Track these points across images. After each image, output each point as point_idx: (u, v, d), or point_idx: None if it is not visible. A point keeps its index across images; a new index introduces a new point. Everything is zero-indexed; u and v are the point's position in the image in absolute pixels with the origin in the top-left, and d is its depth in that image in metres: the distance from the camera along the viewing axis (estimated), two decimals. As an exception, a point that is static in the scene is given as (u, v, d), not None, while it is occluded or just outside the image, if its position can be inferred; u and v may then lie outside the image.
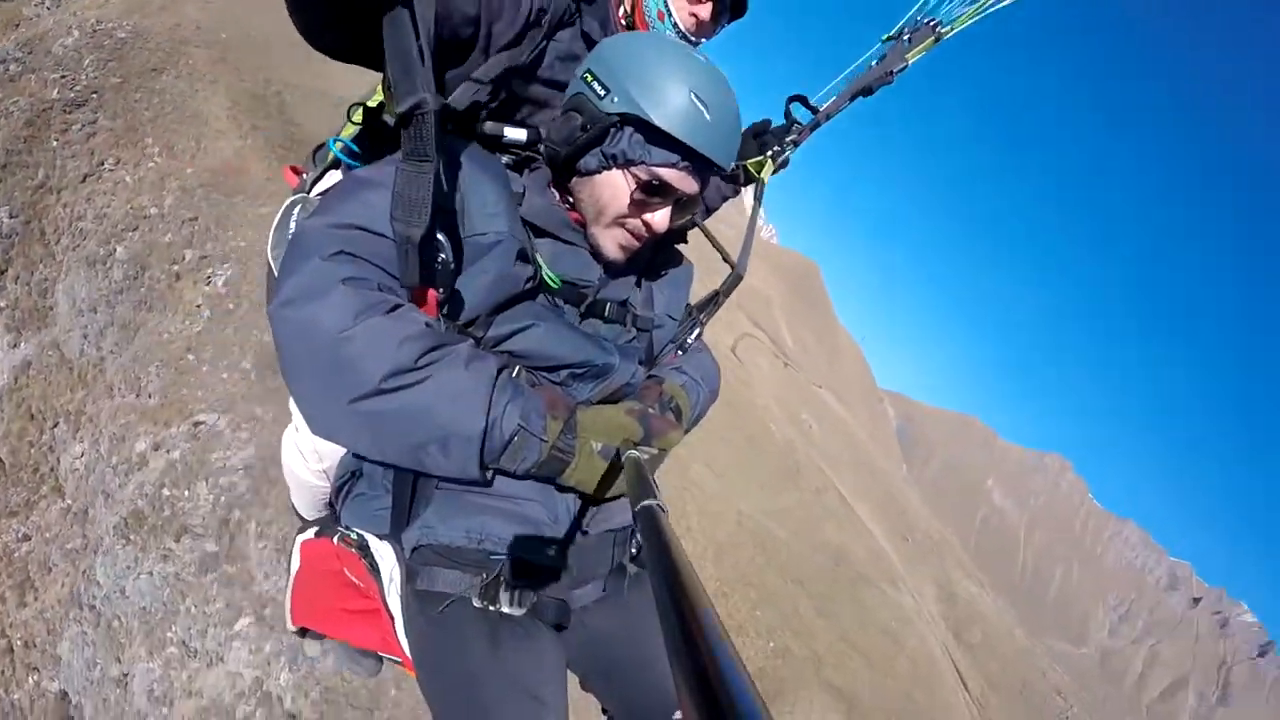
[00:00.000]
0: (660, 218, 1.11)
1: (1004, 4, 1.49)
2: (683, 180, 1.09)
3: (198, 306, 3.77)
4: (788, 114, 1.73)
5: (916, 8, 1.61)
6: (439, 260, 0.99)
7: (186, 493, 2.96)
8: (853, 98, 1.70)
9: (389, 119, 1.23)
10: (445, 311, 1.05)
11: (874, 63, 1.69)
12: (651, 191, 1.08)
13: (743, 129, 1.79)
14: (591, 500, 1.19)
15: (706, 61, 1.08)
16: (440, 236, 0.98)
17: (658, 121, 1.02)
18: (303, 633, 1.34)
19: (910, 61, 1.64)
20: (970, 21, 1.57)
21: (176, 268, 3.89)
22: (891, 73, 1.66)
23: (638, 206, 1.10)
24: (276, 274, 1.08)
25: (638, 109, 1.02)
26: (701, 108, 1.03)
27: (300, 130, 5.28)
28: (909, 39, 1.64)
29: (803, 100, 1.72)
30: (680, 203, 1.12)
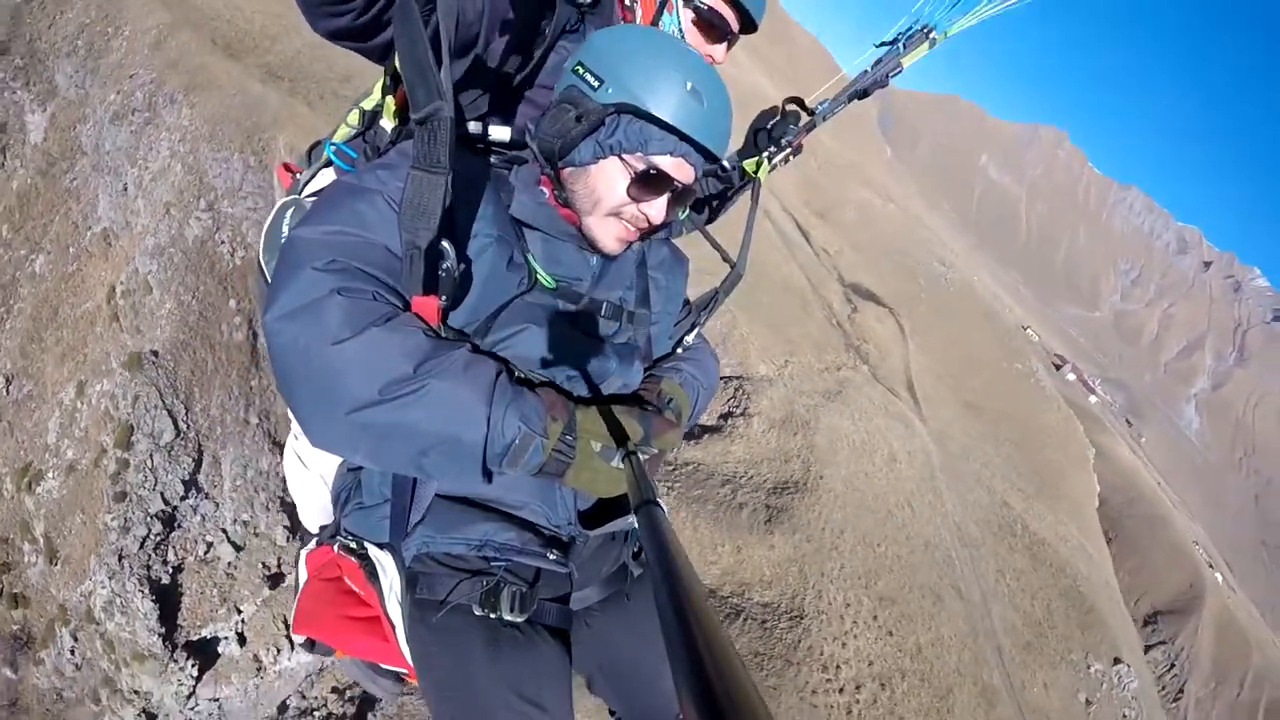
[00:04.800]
0: (657, 208, 1.12)
1: (999, 10, 1.49)
2: (679, 169, 1.10)
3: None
4: (783, 115, 1.80)
5: (914, 11, 1.58)
6: (444, 268, 0.99)
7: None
8: (848, 100, 1.77)
9: (387, 124, 1.25)
10: (446, 319, 1.05)
11: (868, 68, 1.71)
12: (648, 181, 1.09)
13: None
14: (592, 502, 1.21)
15: (699, 55, 1.11)
16: (445, 244, 0.98)
17: (655, 110, 1.03)
18: (310, 644, 1.37)
19: (905, 66, 1.67)
20: (963, 27, 1.57)
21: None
22: (887, 76, 1.70)
23: (635, 196, 1.10)
24: (269, 282, 1.07)
25: (635, 98, 1.03)
26: (697, 98, 1.05)
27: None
28: (903, 45, 1.65)
29: (799, 102, 1.78)
30: (676, 193, 1.13)
